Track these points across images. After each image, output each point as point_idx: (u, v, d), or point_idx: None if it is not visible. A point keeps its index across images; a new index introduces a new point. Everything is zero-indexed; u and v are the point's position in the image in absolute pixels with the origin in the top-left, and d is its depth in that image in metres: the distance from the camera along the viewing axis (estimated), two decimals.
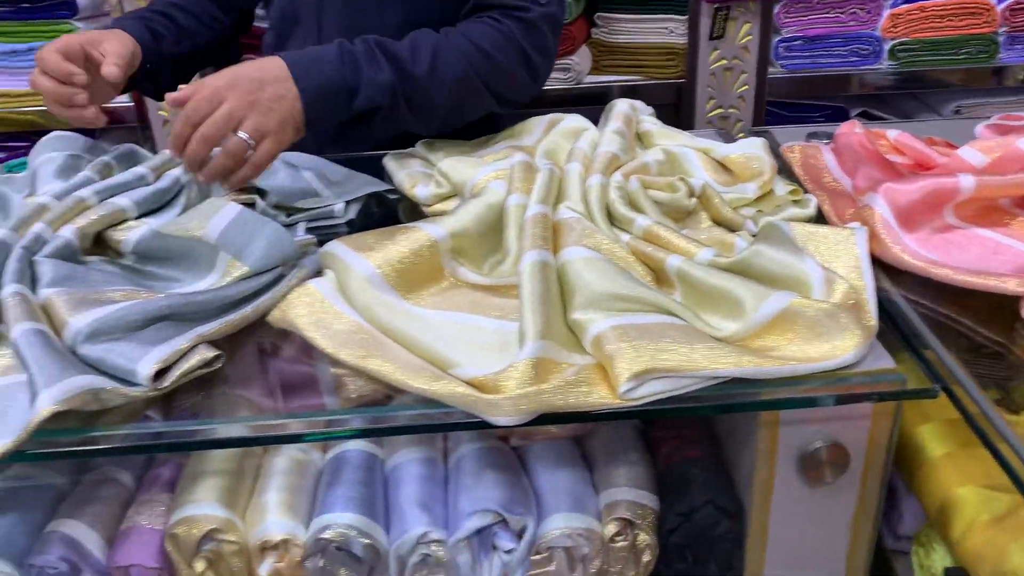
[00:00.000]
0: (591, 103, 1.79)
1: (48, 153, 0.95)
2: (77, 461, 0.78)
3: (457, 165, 0.92)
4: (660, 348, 0.62)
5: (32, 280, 0.73)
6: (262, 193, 0.94)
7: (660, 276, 0.75)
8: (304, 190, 0.97)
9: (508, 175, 0.85)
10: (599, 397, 0.61)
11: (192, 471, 0.75)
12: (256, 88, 0.87)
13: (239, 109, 0.85)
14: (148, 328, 0.69)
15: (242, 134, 0.85)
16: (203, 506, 0.71)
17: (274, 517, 0.71)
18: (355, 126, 0.98)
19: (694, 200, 0.85)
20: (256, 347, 0.75)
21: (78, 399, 0.60)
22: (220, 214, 0.80)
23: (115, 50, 0.94)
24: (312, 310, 0.71)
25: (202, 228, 0.80)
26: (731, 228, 0.84)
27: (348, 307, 0.72)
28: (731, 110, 1.73)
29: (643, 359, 0.61)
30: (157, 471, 0.77)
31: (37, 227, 0.78)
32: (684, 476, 0.74)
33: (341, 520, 0.70)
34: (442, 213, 0.93)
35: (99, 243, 0.81)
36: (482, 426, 0.62)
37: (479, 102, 1.03)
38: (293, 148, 0.92)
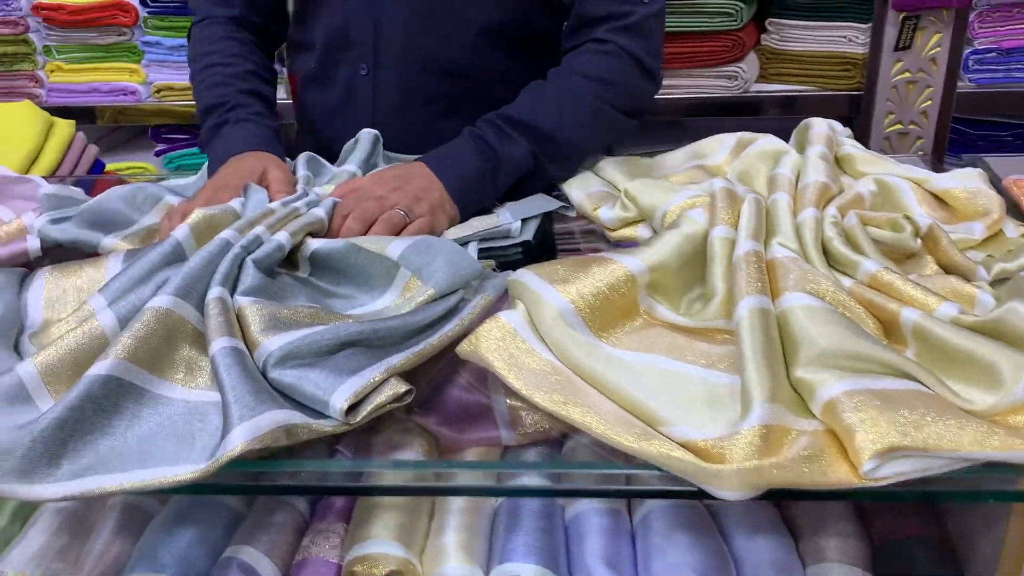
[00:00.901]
0: (753, 112, 1.70)
1: None
2: None
3: (646, 188, 0.86)
4: (907, 421, 0.55)
5: (234, 281, 0.72)
6: None
7: (889, 330, 0.67)
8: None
9: (708, 203, 0.78)
10: (838, 475, 0.54)
11: (367, 502, 0.72)
12: (403, 182, 0.88)
13: (391, 196, 0.86)
14: (338, 354, 0.66)
15: (398, 210, 0.85)
16: (381, 543, 0.68)
17: (454, 562, 0.67)
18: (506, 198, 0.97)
19: (918, 241, 0.76)
20: (430, 370, 0.71)
21: (270, 436, 0.57)
22: (405, 238, 0.77)
23: (280, 178, 0.93)
24: (504, 345, 0.67)
25: (384, 246, 0.77)
26: (960, 275, 0.75)
27: (540, 344, 0.67)
28: (911, 126, 1.60)
29: (889, 434, 0.53)
30: (331, 498, 0.74)
31: (258, 229, 0.77)
32: (904, 557, 0.66)
33: (525, 572, 0.66)
34: (628, 240, 0.88)
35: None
36: (693, 495, 0.56)
37: (615, 128, 1.03)
38: None
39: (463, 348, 0.68)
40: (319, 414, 0.62)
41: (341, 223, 0.85)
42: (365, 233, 0.84)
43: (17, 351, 0.72)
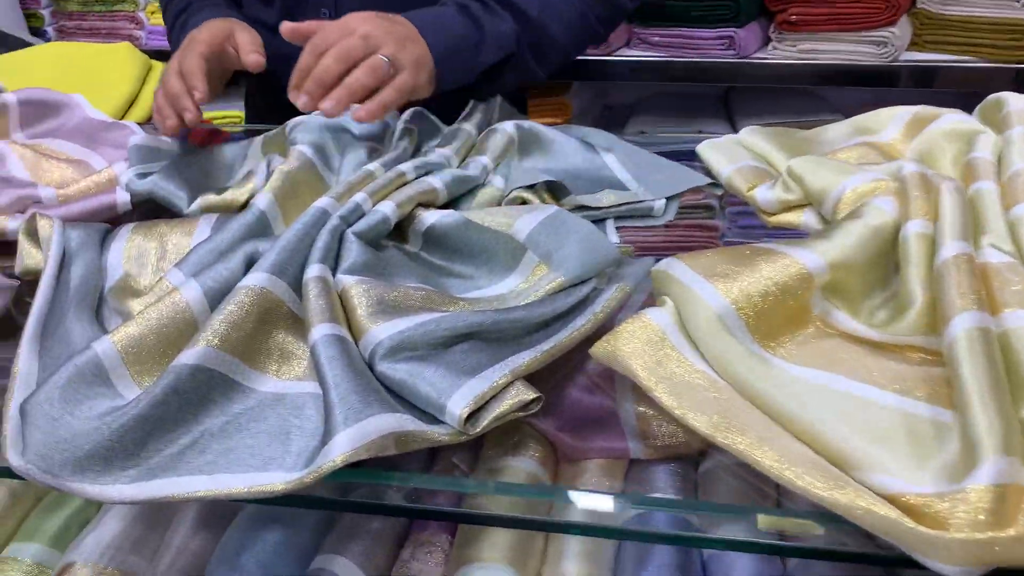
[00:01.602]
0: (894, 84, 1.52)
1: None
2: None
3: (815, 168, 0.73)
4: None
5: (335, 257, 0.63)
6: (556, 193, 0.78)
7: None
8: (609, 179, 0.82)
9: (896, 190, 0.65)
10: None
11: None
12: (388, 25, 0.78)
13: (375, 36, 0.76)
14: (455, 348, 0.56)
15: (382, 56, 0.75)
16: (490, 569, 0.58)
17: None
18: (483, 85, 0.91)
19: None
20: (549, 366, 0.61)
21: (378, 444, 0.48)
22: (534, 211, 0.66)
23: (249, 39, 0.86)
24: (649, 350, 0.56)
25: (511, 223, 0.66)
26: None
27: (693, 351, 0.56)
28: None
29: None
30: None
31: (359, 196, 0.68)
32: None
33: None
34: (787, 226, 0.75)
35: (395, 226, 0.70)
36: (892, 562, 0.45)
37: (590, 37, 1.01)
38: None
39: (599, 350, 0.57)
40: (431, 417, 0.53)
41: (314, 60, 0.75)
42: (343, 77, 0.75)
43: (99, 317, 0.64)
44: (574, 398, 0.64)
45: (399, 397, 0.54)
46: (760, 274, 0.58)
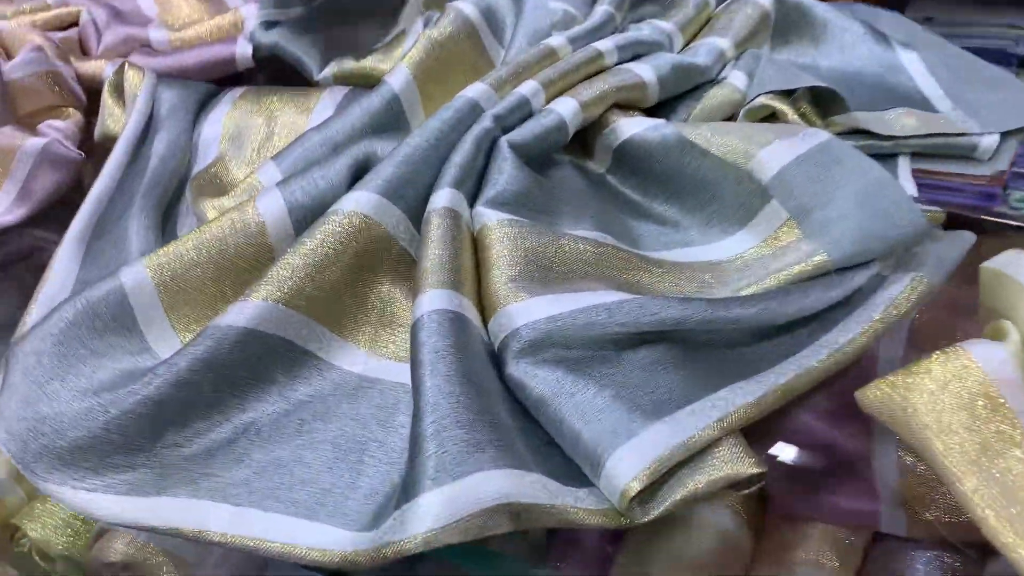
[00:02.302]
0: None
1: None
2: None
3: None
4: None
5: (478, 178, 0.43)
6: (825, 106, 0.52)
7: None
8: (906, 91, 0.55)
9: None
10: None
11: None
12: None
13: None
14: (633, 357, 0.35)
15: None
16: None
17: None
18: None
19: None
20: None
21: (477, 523, 0.29)
22: (789, 136, 0.42)
23: None
24: (969, 420, 0.32)
25: (751, 150, 0.43)
26: None
27: None
28: None
29: None
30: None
31: (528, 87, 0.46)
32: None
33: None
34: None
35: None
36: None
37: None
38: None
39: (873, 399, 0.35)
40: (571, 474, 0.33)
41: None
42: None
43: (170, 218, 0.48)
44: (804, 429, 0.42)
45: (531, 425, 0.34)
46: None
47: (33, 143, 0.50)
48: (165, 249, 0.39)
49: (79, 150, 0.53)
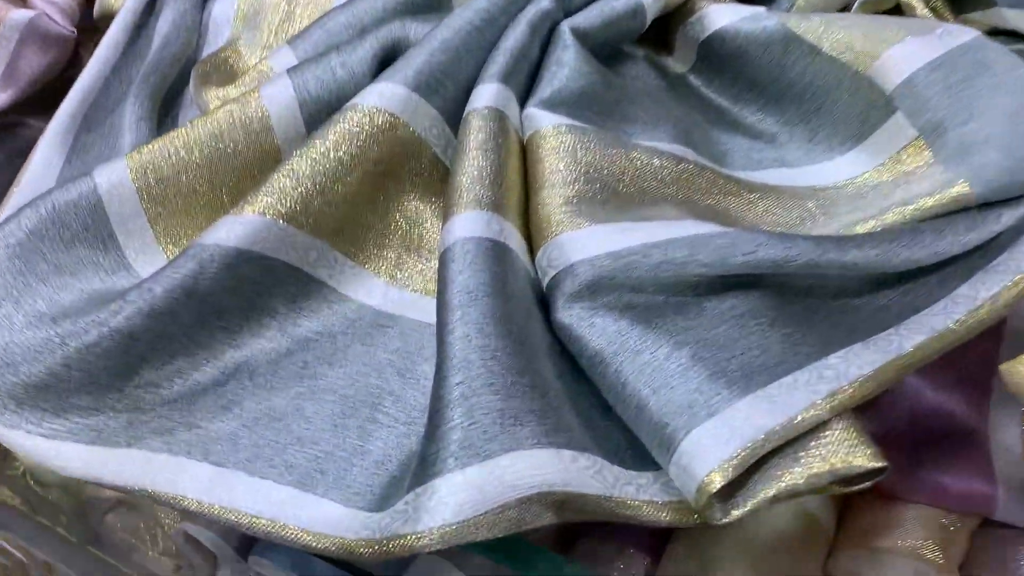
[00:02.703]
0: None
1: None
2: None
3: None
4: None
5: (532, 71, 0.35)
6: None
7: None
8: None
9: None
10: None
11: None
12: None
13: None
14: (716, 306, 0.28)
15: None
16: None
17: None
18: None
19: None
20: None
21: (517, 514, 0.23)
22: (922, 34, 0.33)
23: None
24: None
25: (872, 50, 0.34)
26: None
27: None
28: None
29: None
30: None
31: None
32: None
33: None
34: None
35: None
36: None
37: None
38: None
39: (1016, 373, 0.27)
40: (633, 454, 0.26)
41: None
42: None
43: (171, 111, 0.42)
44: (908, 392, 0.35)
45: (584, 388, 0.28)
46: None
47: (18, 15, 0.43)
48: (150, 146, 0.32)
49: (77, 28, 0.46)
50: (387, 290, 0.32)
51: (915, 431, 0.36)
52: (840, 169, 0.35)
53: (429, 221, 0.33)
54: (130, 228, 0.32)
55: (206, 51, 0.44)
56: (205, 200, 0.32)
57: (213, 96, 0.38)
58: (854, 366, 0.26)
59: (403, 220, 0.33)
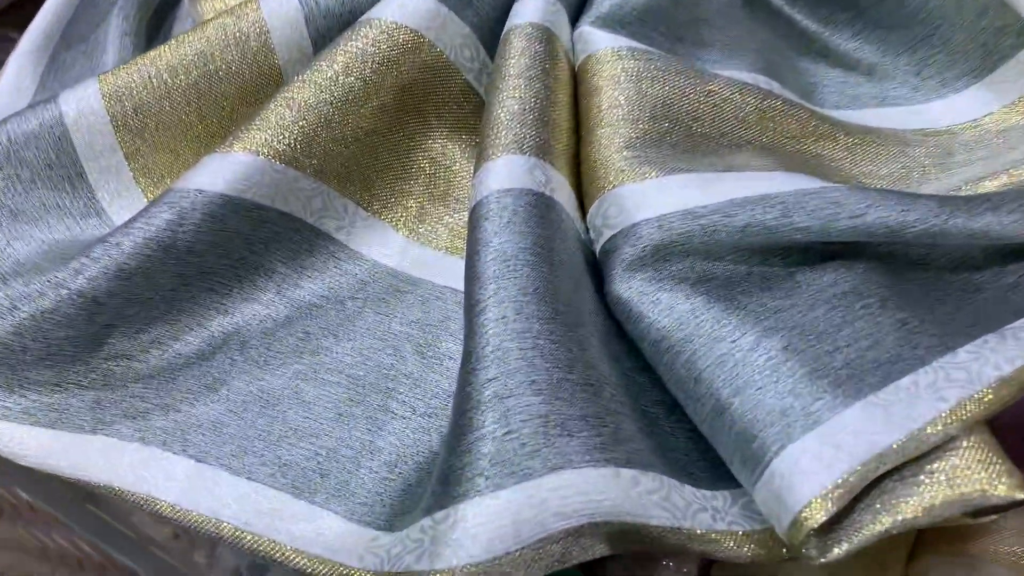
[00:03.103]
0: None
1: None
2: None
3: None
4: None
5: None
6: None
7: None
8: None
9: None
10: None
11: None
12: None
13: None
14: (816, 275, 0.23)
15: None
16: None
17: None
18: None
19: None
20: None
21: (561, 548, 0.18)
22: None
23: None
24: None
25: None
26: None
27: None
28: None
29: None
30: None
31: None
32: None
33: None
34: None
35: None
36: None
37: None
38: None
39: None
40: (706, 468, 0.21)
41: None
42: None
43: (164, 23, 0.36)
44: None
45: (646, 379, 0.22)
46: None
47: None
48: (128, 67, 0.27)
49: None
50: (407, 246, 0.26)
51: None
52: (956, 108, 0.29)
53: (459, 163, 0.28)
54: (103, 165, 0.26)
55: None
56: (194, 133, 0.27)
57: (210, 7, 0.33)
58: (989, 365, 0.20)
59: (427, 162, 0.27)
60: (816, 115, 0.28)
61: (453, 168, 0.28)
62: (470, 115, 0.28)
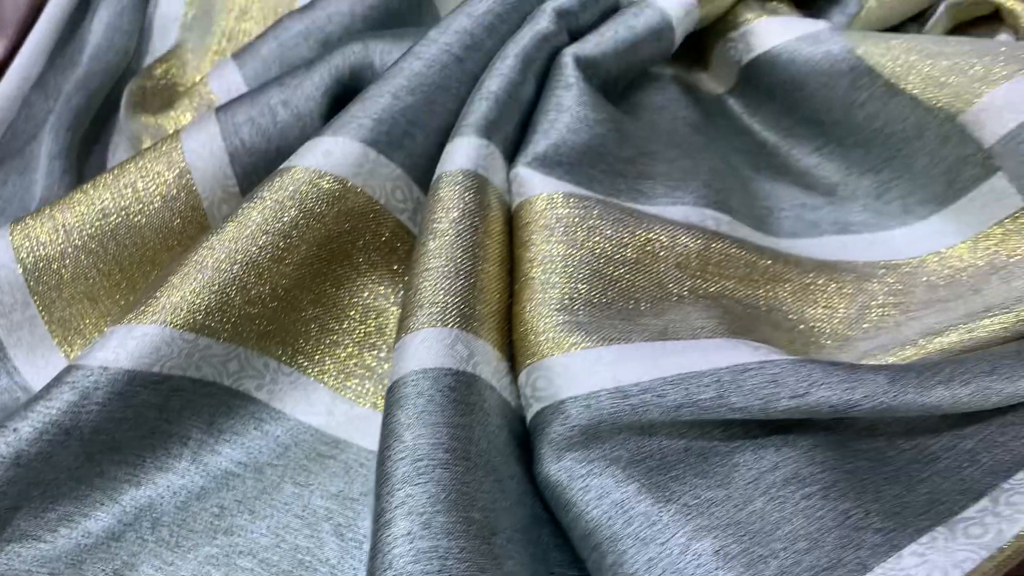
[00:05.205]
0: None
1: None
2: None
3: None
4: None
5: (524, 117, 0.28)
6: None
7: None
8: None
9: None
10: None
11: None
12: None
13: None
14: (755, 458, 0.22)
15: None
16: None
17: None
18: None
19: None
20: None
21: None
22: None
23: None
24: None
25: (966, 93, 0.26)
26: None
27: None
28: None
29: None
30: None
31: None
32: None
33: None
34: None
35: None
36: None
37: None
38: None
39: None
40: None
41: None
42: None
43: (99, 140, 0.35)
44: None
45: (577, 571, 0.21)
46: None
47: None
48: (42, 214, 0.25)
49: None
50: (333, 403, 0.25)
51: None
52: (917, 238, 0.28)
53: (393, 307, 0.26)
54: (15, 321, 0.25)
55: (149, 56, 0.37)
56: (112, 281, 0.26)
57: (144, 125, 0.32)
58: (937, 570, 0.19)
59: (357, 309, 0.26)
60: (767, 253, 0.27)
61: (386, 313, 0.26)
62: (405, 257, 0.27)
